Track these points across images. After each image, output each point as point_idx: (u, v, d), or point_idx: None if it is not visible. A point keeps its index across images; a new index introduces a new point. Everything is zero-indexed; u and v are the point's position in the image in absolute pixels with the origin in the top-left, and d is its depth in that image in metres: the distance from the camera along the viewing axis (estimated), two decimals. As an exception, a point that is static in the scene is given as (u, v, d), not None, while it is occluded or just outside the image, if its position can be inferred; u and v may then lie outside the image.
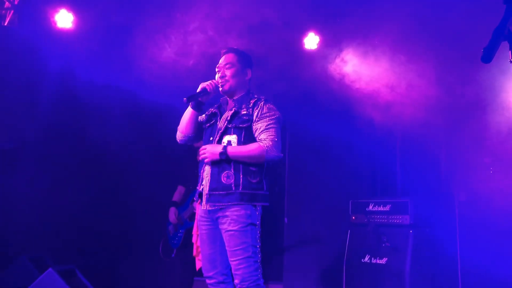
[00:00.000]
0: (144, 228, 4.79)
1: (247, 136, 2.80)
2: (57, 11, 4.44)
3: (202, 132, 3.03)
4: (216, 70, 2.99)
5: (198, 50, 4.46)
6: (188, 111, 2.97)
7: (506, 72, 3.80)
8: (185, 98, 2.82)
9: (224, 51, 3.01)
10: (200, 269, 3.00)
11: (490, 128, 4.01)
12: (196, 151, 4.44)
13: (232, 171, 2.73)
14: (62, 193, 4.59)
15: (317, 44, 4.82)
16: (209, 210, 2.80)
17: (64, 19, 4.47)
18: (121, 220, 4.82)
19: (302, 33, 4.83)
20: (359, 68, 4.65)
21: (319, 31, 4.81)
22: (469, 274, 4.01)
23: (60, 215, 4.54)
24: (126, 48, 4.31)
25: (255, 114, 2.82)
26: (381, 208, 4.30)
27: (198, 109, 2.95)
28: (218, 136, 2.83)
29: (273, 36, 4.54)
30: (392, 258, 4.02)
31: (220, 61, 2.98)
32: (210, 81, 2.92)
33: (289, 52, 4.78)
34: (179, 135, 3.06)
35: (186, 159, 4.51)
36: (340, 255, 4.42)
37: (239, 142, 2.78)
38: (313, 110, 4.90)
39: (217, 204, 2.74)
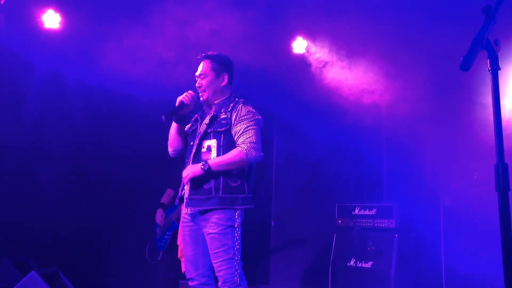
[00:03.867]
0: (130, 230, 4.76)
1: (226, 140, 2.80)
2: (44, 12, 4.41)
3: None
4: (196, 79, 2.99)
5: (185, 53, 4.46)
6: (173, 126, 3.01)
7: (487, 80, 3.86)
8: (163, 116, 2.82)
9: (199, 57, 3.00)
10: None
11: (475, 133, 4.06)
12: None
13: (210, 176, 2.74)
14: (46, 195, 4.55)
15: (305, 48, 4.85)
16: (190, 214, 2.83)
17: (51, 19, 4.44)
18: (106, 223, 4.78)
19: (291, 37, 4.86)
20: (348, 72, 4.69)
21: (307, 36, 4.85)
22: (453, 277, 4.04)
23: (44, 217, 4.50)
24: (113, 49, 4.29)
25: (234, 117, 2.82)
26: (367, 212, 4.33)
27: (182, 122, 2.98)
28: (197, 140, 2.84)
29: (261, 40, 4.56)
30: (377, 261, 4.05)
31: (198, 68, 2.98)
32: (185, 94, 2.92)
33: (277, 56, 4.80)
34: (170, 150, 3.11)
35: (175, 161, 4.51)
36: (326, 259, 4.44)
37: (219, 147, 2.79)
38: (301, 113, 4.93)
39: (197, 208, 2.76)
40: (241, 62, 4.50)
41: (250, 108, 2.87)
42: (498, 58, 1.53)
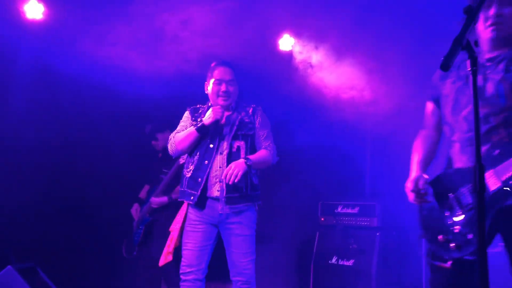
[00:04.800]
0: (108, 226, 4.72)
1: (251, 143, 3.09)
2: (26, 2, 4.32)
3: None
4: (213, 80, 3.08)
5: (172, 49, 4.43)
6: (193, 134, 3.03)
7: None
8: (199, 124, 3.00)
9: (221, 62, 3.15)
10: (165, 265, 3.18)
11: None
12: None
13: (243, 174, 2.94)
14: (25, 190, 4.48)
15: (292, 45, 4.84)
16: (221, 214, 2.95)
17: (34, 10, 4.35)
18: (85, 218, 4.73)
19: (277, 34, 4.85)
20: (332, 70, 4.69)
21: (294, 33, 4.84)
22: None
23: (22, 213, 4.43)
24: (98, 39, 4.23)
25: (257, 122, 3.12)
26: (349, 210, 4.35)
27: (204, 134, 3.06)
28: (229, 141, 3.01)
29: (248, 37, 4.54)
30: (359, 259, 4.08)
31: (219, 72, 3.09)
32: (215, 110, 3.00)
33: (263, 53, 4.79)
34: (174, 149, 3.12)
35: (152, 157, 4.50)
36: (308, 256, 4.45)
37: (246, 148, 3.03)
38: (284, 111, 4.91)
39: (234, 206, 2.95)
40: (226, 57, 4.49)
41: (265, 114, 3.21)
42: (477, 59, 1.54)
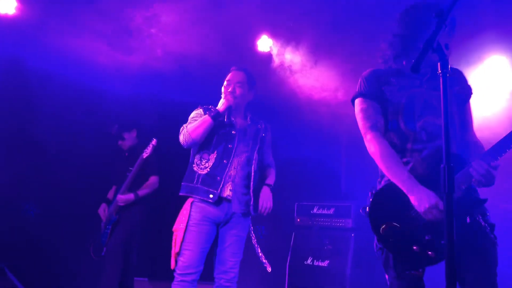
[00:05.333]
0: (76, 226, 4.65)
1: (260, 156, 3.25)
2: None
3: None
4: (225, 83, 3.18)
5: (140, 46, 4.39)
6: (207, 121, 3.05)
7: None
8: (211, 116, 3.03)
9: (236, 67, 3.24)
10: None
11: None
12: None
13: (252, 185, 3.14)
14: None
15: (270, 47, 4.85)
16: (227, 213, 3.02)
17: (5, 4, 4.26)
18: (53, 218, 4.64)
19: (256, 35, 4.85)
20: (308, 73, 4.72)
21: (272, 34, 4.85)
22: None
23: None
24: (72, 35, 4.16)
25: (267, 138, 3.30)
26: (325, 211, 4.37)
27: (217, 121, 3.12)
28: (250, 149, 3.15)
29: (226, 37, 4.53)
30: (334, 260, 4.10)
31: (231, 74, 3.20)
32: (229, 97, 3.09)
33: (241, 53, 4.78)
34: (189, 139, 3.05)
35: (118, 157, 4.46)
36: (284, 257, 4.45)
37: (257, 160, 3.20)
38: (261, 112, 4.91)
39: (244, 208, 3.05)
40: (205, 58, 4.48)
41: None
42: (448, 62, 1.56)
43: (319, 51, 4.60)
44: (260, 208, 3.08)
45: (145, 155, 3.95)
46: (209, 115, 3.04)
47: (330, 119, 4.68)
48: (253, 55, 4.89)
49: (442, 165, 1.48)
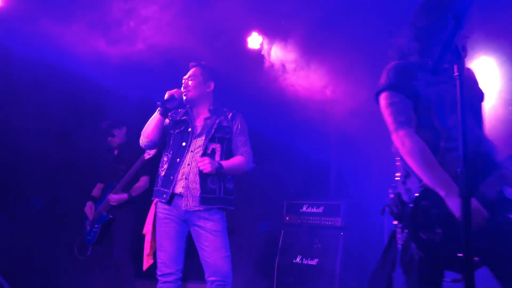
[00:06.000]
0: (61, 224, 4.54)
1: (227, 146, 3.11)
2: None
3: (166, 137, 3.19)
4: (183, 81, 3.20)
5: (136, 41, 4.31)
6: (156, 117, 3.12)
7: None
8: (159, 103, 3.07)
9: (191, 64, 3.26)
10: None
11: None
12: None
13: (216, 177, 3.00)
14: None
15: (260, 44, 4.82)
16: (188, 211, 2.94)
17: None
18: (38, 216, 4.53)
19: (246, 32, 4.81)
20: (298, 70, 4.70)
21: (262, 31, 4.82)
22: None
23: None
24: (58, 25, 4.05)
25: (235, 127, 3.15)
26: (314, 210, 4.37)
27: (165, 115, 3.15)
28: (203, 141, 3.03)
29: (216, 34, 4.48)
30: (323, 259, 4.11)
31: (188, 73, 3.23)
32: (176, 89, 3.14)
33: (231, 50, 4.74)
34: (144, 140, 3.18)
35: (106, 154, 4.38)
36: (272, 255, 4.44)
37: (222, 151, 3.07)
38: (251, 109, 4.88)
39: (207, 206, 2.94)
40: (193, 53, 4.42)
41: (244, 121, 3.23)
42: (464, 64, 1.55)
43: (309, 48, 4.59)
44: (199, 160, 2.94)
45: (147, 156, 3.87)
46: (158, 112, 3.12)
47: (320, 117, 4.68)
48: (243, 52, 4.85)
49: (459, 169, 1.47)
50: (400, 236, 1.92)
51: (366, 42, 4.25)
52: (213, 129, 3.08)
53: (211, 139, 3.05)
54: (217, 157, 3.04)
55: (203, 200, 2.94)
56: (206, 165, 2.89)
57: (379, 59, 4.25)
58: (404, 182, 2.03)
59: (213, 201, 2.97)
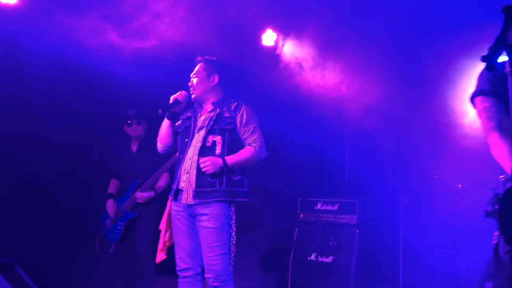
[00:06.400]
0: (82, 222, 4.56)
1: (230, 138, 3.02)
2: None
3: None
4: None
5: (151, 36, 4.30)
6: (165, 123, 3.19)
7: (452, 83, 3.99)
8: (160, 111, 3.07)
9: (196, 61, 3.25)
10: (161, 262, 3.16)
11: (435, 133, 4.18)
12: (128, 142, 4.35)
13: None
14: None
15: (274, 41, 4.81)
16: (189, 205, 2.94)
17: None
18: (58, 212, 4.55)
19: (260, 29, 4.81)
20: (314, 68, 4.68)
21: (277, 28, 4.80)
22: (410, 272, 4.17)
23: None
24: (75, 19, 4.06)
25: (239, 118, 3.06)
26: (329, 207, 4.37)
27: (174, 119, 3.18)
28: (203, 134, 2.99)
29: (230, 31, 4.47)
30: (338, 256, 4.10)
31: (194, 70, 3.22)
32: (179, 92, 3.17)
33: (246, 47, 4.73)
34: (159, 146, 3.27)
35: (120, 150, 4.35)
36: (286, 253, 4.44)
37: (223, 143, 2.99)
38: (265, 106, 4.88)
39: (202, 200, 2.89)
40: (207, 50, 4.41)
41: (251, 110, 3.14)
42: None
43: (324, 45, 4.57)
44: (200, 162, 2.90)
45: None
46: (166, 117, 3.18)
47: (335, 114, 4.66)
48: (257, 49, 4.84)
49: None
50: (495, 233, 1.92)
51: (382, 38, 4.24)
52: (211, 121, 3.03)
53: (210, 131, 3.00)
54: (219, 150, 2.96)
55: (197, 194, 2.90)
56: (207, 166, 2.86)
57: (394, 55, 4.29)
58: (505, 184, 2.03)
59: (209, 194, 2.89)
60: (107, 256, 4.20)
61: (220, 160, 2.89)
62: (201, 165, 2.88)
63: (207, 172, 2.87)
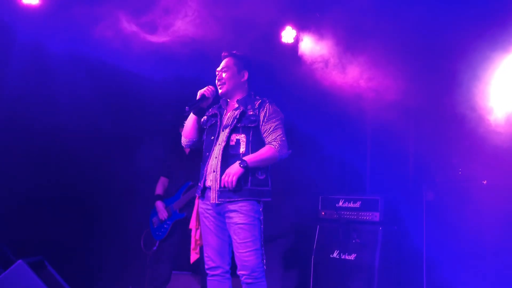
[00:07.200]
0: (116, 219, 4.61)
1: (254, 136, 2.98)
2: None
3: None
4: (216, 73, 3.16)
5: (172, 35, 4.32)
6: (191, 118, 3.16)
7: (477, 78, 3.94)
8: (187, 108, 3.03)
9: (223, 55, 3.19)
10: (195, 261, 3.15)
11: (459, 129, 4.13)
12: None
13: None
14: (30, 181, 4.32)
15: (294, 38, 4.80)
16: (217, 204, 2.93)
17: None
18: (92, 211, 4.61)
19: (280, 26, 4.80)
20: (334, 65, 4.66)
21: (296, 25, 4.79)
22: (433, 270, 4.12)
23: (29, 205, 4.28)
24: (96, 21, 4.09)
25: (262, 115, 3.01)
26: (351, 205, 4.34)
27: (200, 115, 3.16)
28: (227, 133, 2.97)
29: (250, 28, 4.46)
30: (361, 254, 4.08)
31: (220, 64, 3.16)
32: (206, 87, 3.12)
33: (265, 44, 4.72)
34: (184, 140, 3.25)
35: (170, 148, 4.40)
36: (308, 251, 4.43)
37: (248, 142, 2.96)
38: (286, 104, 4.86)
39: (227, 199, 2.88)
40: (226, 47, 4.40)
41: (276, 108, 3.08)
42: None
43: (345, 41, 4.54)
44: (222, 184, 2.87)
45: None
46: (192, 113, 3.15)
47: (356, 110, 4.63)
48: (277, 46, 4.83)
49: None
50: None
51: (403, 34, 4.19)
52: (235, 119, 2.99)
53: (234, 130, 2.97)
54: (243, 148, 2.93)
55: (221, 194, 2.89)
56: (228, 183, 2.82)
57: (416, 49, 4.24)
58: None
59: (235, 194, 2.86)
60: (151, 253, 4.28)
61: (236, 165, 2.85)
62: (225, 184, 2.83)
63: (234, 183, 2.80)
